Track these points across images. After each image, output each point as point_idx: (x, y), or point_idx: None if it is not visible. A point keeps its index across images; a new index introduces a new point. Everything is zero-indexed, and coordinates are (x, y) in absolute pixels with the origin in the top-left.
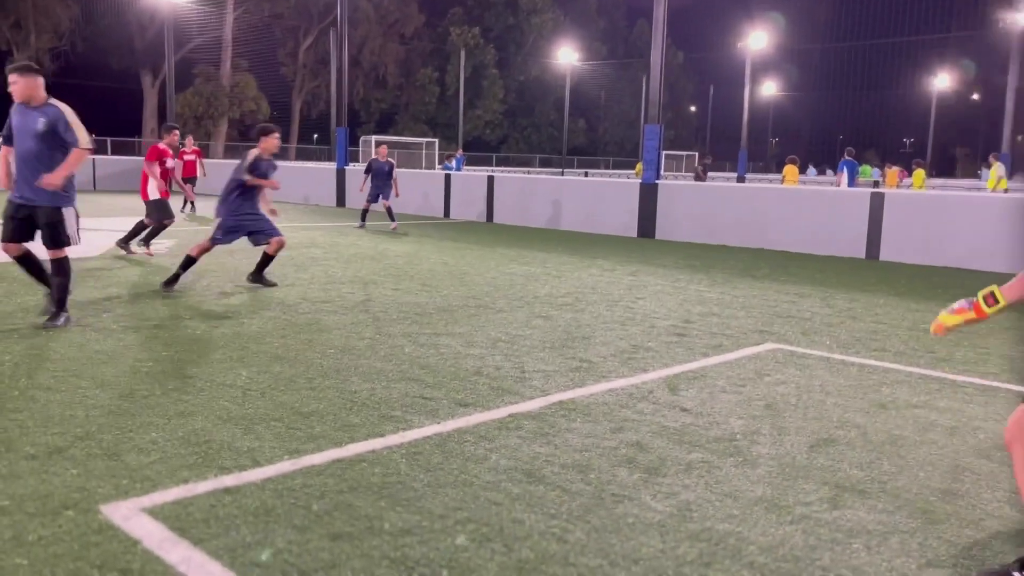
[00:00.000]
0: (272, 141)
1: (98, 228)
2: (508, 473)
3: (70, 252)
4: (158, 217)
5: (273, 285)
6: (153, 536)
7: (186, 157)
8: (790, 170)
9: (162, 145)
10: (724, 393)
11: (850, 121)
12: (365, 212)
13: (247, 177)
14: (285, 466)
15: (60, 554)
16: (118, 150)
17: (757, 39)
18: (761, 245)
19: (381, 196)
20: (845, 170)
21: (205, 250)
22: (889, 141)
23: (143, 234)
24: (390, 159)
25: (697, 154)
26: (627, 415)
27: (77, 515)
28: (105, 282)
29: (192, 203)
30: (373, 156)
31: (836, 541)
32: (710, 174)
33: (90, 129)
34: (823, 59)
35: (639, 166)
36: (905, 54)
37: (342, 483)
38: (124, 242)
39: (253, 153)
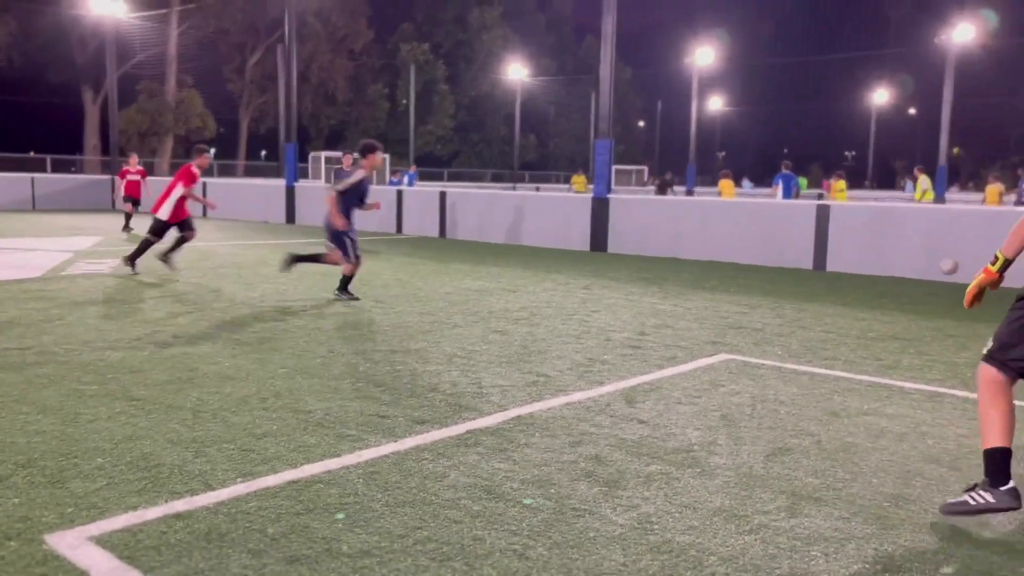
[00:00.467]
0: (379, 158)
1: (35, 248)
2: (468, 490)
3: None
4: (151, 232)
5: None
6: (101, 566)
7: (129, 176)
8: (725, 184)
9: (194, 168)
10: (680, 404)
11: (795, 134)
12: None
13: (340, 186)
14: (239, 489)
15: None
16: (58, 168)
17: (704, 55)
18: (711, 257)
19: None
20: (780, 183)
21: (355, 265)
22: (832, 154)
23: (132, 252)
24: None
25: (647, 168)
26: (585, 428)
27: (20, 546)
28: (46, 304)
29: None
30: (337, 166)
31: (795, 549)
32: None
33: (28, 147)
34: (769, 74)
35: (575, 178)
36: (847, 70)
37: (298, 505)
38: (164, 258)
39: (360, 173)
